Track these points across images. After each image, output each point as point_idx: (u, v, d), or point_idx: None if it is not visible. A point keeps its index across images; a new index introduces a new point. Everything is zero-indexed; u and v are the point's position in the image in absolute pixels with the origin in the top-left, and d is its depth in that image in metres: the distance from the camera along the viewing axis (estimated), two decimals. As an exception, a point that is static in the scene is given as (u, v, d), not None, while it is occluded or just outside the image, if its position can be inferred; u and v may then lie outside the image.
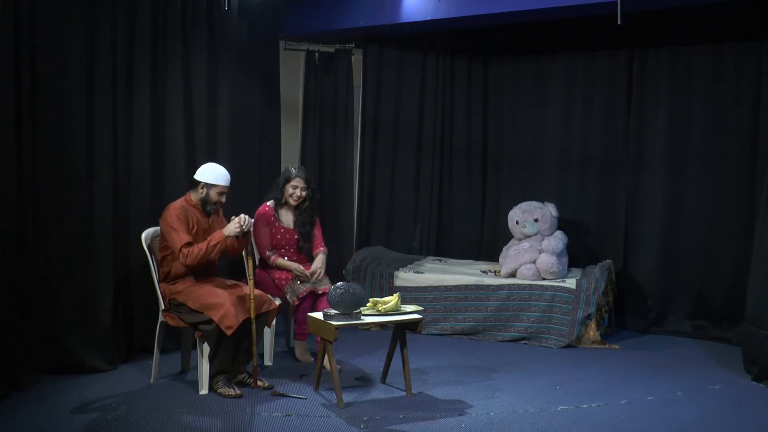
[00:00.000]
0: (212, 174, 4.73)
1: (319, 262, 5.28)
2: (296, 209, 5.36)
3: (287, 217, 5.36)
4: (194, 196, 4.76)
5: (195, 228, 4.70)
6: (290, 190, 5.30)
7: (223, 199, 4.81)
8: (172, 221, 4.62)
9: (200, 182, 4.72)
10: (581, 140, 6.77)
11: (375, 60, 7.10)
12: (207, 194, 4.74)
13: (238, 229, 4.63)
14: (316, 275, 5.22)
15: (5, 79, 4.49)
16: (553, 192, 6.78)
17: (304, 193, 5.31)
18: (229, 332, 4.49)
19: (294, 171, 5.35)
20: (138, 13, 5.24)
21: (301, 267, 5.23)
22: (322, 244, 5.44)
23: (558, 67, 6.88)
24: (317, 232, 5.44)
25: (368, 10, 6.37)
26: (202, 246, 4.60)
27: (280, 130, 6.67)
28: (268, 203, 5.39)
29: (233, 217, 4.68)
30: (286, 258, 5.33)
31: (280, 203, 5.35)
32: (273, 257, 5.28)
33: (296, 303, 5.13)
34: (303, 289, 5.12)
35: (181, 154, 5.51)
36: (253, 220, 4.81)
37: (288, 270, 5.24)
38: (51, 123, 4.78)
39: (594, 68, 6.70)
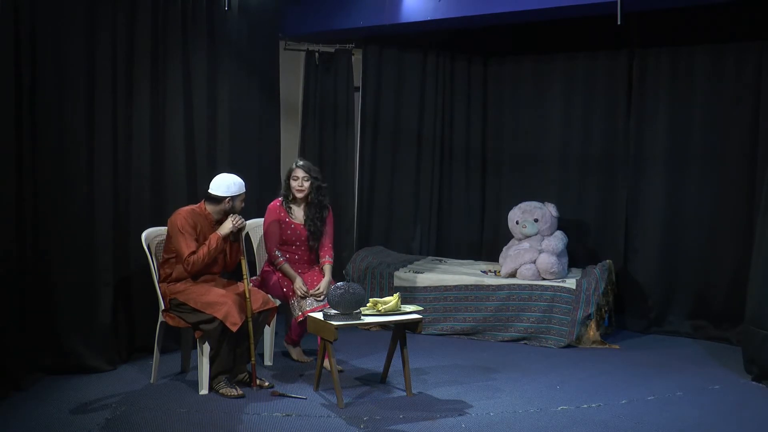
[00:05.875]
0: (234, 185, 4.76)
1: (324, 283, 5.09)
2: (306, 204, 5.25)
3: (298, 213, 5.26)
4: (215, 210, 4.76)
5: (201, 236, 4.70)
6: (292, 183, 5.21)
7: (243, 204, 4.86)
8: (182, 226, 4.63)
9: (225, 197, 4.73)
10: (581, 140, 6.77)
11: (375, 60, 7.09)
12: (233, 206, 4.77)
13: (230, 226, 4.68)
14: (318, 295, 5.06)
15: (5, 79, 4.50)
16: (553, 192, 6.78)
17: (306, 184, 5.19)
18: (234, 328, 4.51)
19: (295, 164, 5.28)
20: (138, 13, 5.24)
21: (304, 286, 5.06)
22: (330, 251, 5.28)
23: (558, 67, 6.88)
24: (329, 229, 5.29)
25: (368, 10, 6.36)
26: (204, 251, 4.62)
27: (280, 130, 6.66)
28: (279, 199, 5.31)
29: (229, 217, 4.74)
30: (297, 257, 5.23)
31: (289, 199, 5.26)
32: (280, 260, 5.16)
33: (299, 319, 5.06)
34: (310, 307, 4.99)
35: (181, 154, 5.52)
36: (244, 221, 4.78)
37: (290, 279, 5.12)
38: (51, 123, 4.78)
39: (594, 68, 6.70)
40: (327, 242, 5.30)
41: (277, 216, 5.22)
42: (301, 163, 5.28)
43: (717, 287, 6.13)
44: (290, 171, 5.26)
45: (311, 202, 5.24)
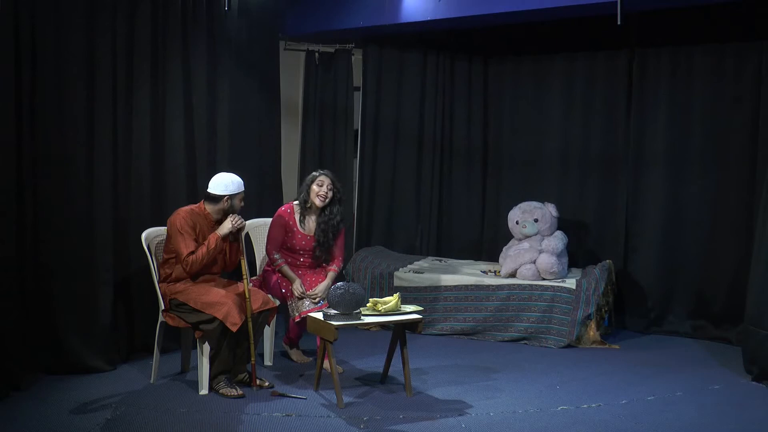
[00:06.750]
0: (232, 184, 4.76)
1: (322, 287, 5.06)
2: (321, 214, 5.17)
3: (310, 224, 5.19)
4: (214, 209, 4.75)
5: (200, 236, 4.70)
6: (316, 189, 5.12)
7: (243, 203, 4.85)
8: (181, 225, 4.63)
9: (223, 196, 4.73)
10: (581, 140, 6.77)
11: (375, 60, 7.09)
12: (231, 205, 4.76)
13: (230, 226, 4.68)
14: (314, 297, 5.04)
15: (5, 79, 4.50)
16: (553, 192, 6.78)
17: (330, 193, 5.13)
18: (234, 329, 4.50)
19: (319, 172, 5.22)
20: (138, 13, 5.24)
21: (302, 287, 5.04)
22: (340, 263, 5.25)
23: (558, 67, 6.87)
24: (340, 243, 5.25)
25: (368, 10, 6.37)
26: (202, 252, 4.62)
27: (280, 130, 6.66)
28: (294, 203, 5.25)
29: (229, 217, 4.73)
30: (298, 262, 5.20)
31: (306, 207, 5.18)
32: (280, 262, 5.13)
33: (297, 320, 5.06)
34: (306, 308, 4.98)
35: (181, 155, 5.51)
36: (243, 221, 4.77)
37: (289, 281, 5.10)
38: (51, 123, 4.79)
39: (594, 68, 6.70)
40: (338, 254, 5.27)
41: (285, 222, 5.17)
42: (326, 172, 5.23)
43: (717, 287, 6.13)
44: (313, 178, 5.18)
45: (327, 215, 5.16)
